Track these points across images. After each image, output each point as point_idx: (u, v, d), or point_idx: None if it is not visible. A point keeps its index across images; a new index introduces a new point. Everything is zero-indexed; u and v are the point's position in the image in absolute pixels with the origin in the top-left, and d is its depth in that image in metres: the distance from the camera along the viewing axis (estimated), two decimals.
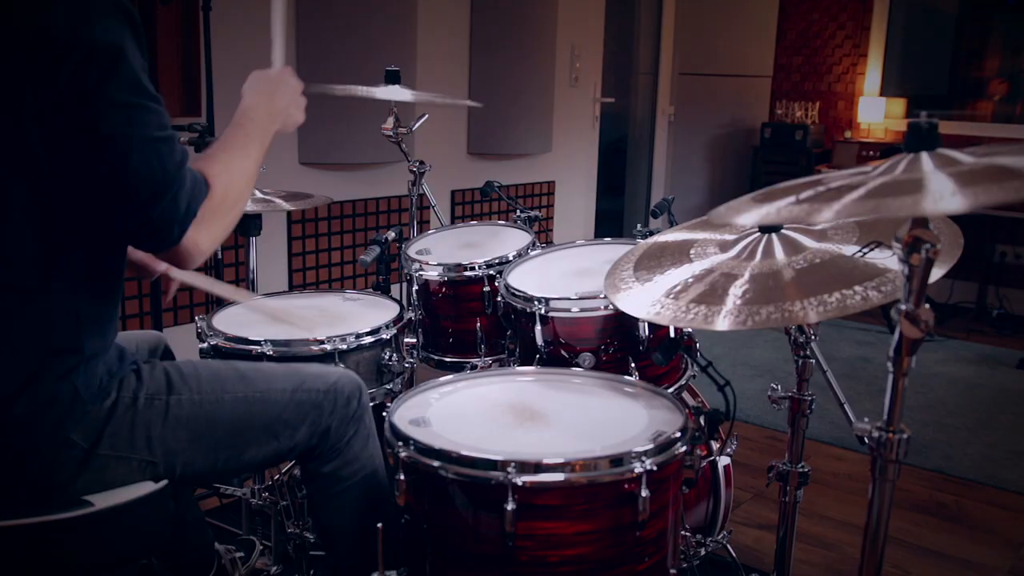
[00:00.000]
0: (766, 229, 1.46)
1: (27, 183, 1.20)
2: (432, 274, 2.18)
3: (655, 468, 1.30)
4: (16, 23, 1.15)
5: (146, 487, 1.36)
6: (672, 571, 1.44)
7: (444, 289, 2.19)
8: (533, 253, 2.15)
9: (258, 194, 2.22)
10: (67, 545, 1.29)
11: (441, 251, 2.32)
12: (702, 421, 1.61)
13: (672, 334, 1.80)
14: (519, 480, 1.26)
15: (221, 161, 1.36)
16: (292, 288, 3.66)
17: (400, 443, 1.38)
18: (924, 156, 1.03)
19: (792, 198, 1.07)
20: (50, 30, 1.14)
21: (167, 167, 1.21)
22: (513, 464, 1.26)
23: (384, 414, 1.48)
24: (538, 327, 1.81)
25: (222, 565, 1.94)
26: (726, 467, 2.08)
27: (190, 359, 1.57)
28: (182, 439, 1.39)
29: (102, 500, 1.32)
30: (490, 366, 2.19)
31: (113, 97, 1.17)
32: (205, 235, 1.28)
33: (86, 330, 1.29)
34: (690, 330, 1.81)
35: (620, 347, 1.79)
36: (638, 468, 1.29)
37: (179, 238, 1.24)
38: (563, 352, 1.81)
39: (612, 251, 2.04)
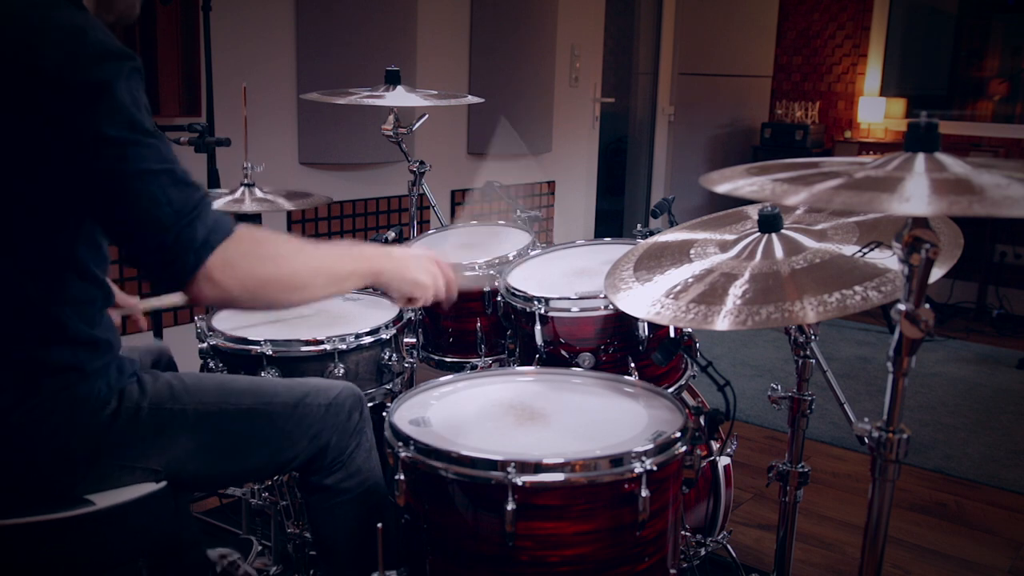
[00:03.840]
0: (766, 228, 1.46)
1: (24, 216, 1.21)
2: None
3: (655, 468, 1.30)
4: (5, 63, 1.15)
5: (147, 487, 1.36)
6: (672, 571, 1.44)
7: None
8: (533, 253, 2.15)
9: (258, 193, 2.22)
10: (68, 544, 1.29)
11: (441, 251, 2.31)
12: (702, 421, 1.61)
13: (672, 334, 1.80)
14: (519, 480, 1.26)
15: (264, 231, 1.31)
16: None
17: (400, 443, 1.38)
18: (920, 157, 1.03)
19: (775, 175, 1.07)
20: (41, 75, 1.14)
21: (171, 196, 1.17)
22: (513, 464, 1.26)
23: (384, 414, 1.48)
24: (538, 327, 1.81)
25: (218, 574, 1.94)
26: (726, 467, 2.08)
27: (192, 371, 1.57)
28: (186, 448, 1.39)
29: (103, 499, 1.32)
30: (490, 366, 2.19)
31: (105, 134, 1.14)
32: (223, 267, 1.20)
33: (82, 350, 1.30)
34: (690, 330, 1.81)
35: (620, 347, 1.79)
36: (638, 468, 1.29)
37: (195, 268, 1.18)
38: (563, 352, 1.81)
39: (612, 251, 2.04)
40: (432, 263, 1.44)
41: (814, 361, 1.57)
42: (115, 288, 1.56)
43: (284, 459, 1.52)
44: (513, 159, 4.64)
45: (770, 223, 1.46)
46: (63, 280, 1.26)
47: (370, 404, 1.86)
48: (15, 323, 1.25)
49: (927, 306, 1.01)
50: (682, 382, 1.90)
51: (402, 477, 1.38)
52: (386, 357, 1.91)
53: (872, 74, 5.86)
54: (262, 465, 1.51)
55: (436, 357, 2.26)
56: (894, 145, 5.55)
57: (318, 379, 1.65)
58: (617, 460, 1.30)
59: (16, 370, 1.25)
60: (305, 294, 1.30)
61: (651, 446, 1.32)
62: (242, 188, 2.22)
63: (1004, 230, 5.09)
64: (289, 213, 3.59)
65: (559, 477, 1.27)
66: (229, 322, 1.95)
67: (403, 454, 1.36)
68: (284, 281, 1.27)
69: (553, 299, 1.80)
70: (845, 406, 1.61)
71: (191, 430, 1.40)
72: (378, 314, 2.02)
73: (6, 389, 1.24)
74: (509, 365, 1.99)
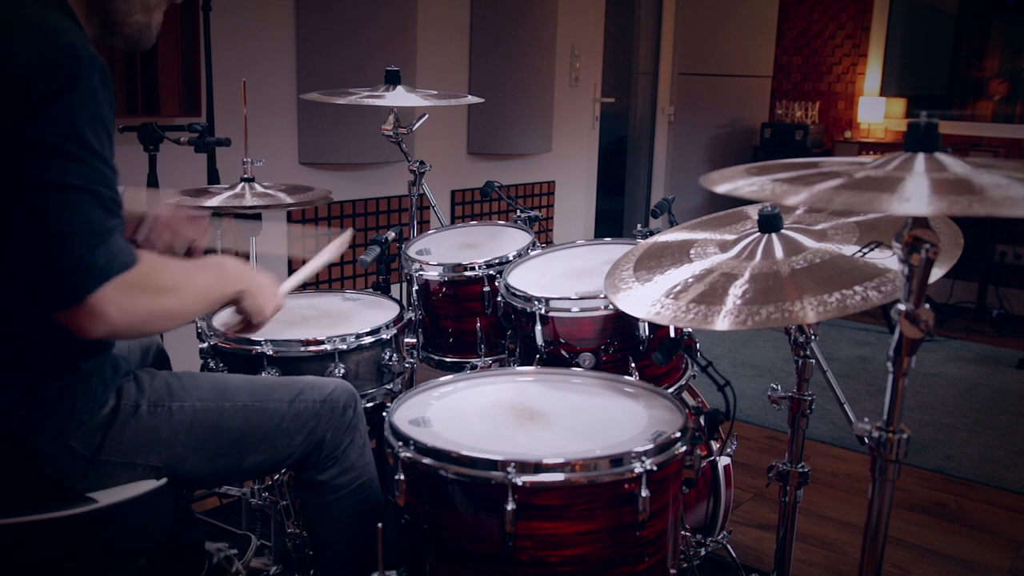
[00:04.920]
0: (766, 228, 1.46)
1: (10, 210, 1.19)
2: (432, 274, 2.18)
3: (655, 468, 1.30)
4: None
5: (147, 485, 1.37)
6: (672, 571, 1.44)
7: (444, 289, 2.18)
8: (533, 253, 2.15)
9: (258, 188, 2.21)
10: (70, 543, 1.29)
11: (441, 251, 2.32)
12: (702, 421, 1.61)
13: (672, 334, 1.80)
14: (519, 480, 1.26)
15: (161, 262, 1.29)
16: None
17: (400, 443, 1.38)
18: (920, 157, 1.04)
19: (775, 175, 1.07)
20: (7, 69, 1.12)
21: (86, 216, 1.15)
22: (513, 464, 1.26)
23: (384, 414, 1.48)
24: (538, 327, 1.81)
25: (213, 564, 1.94)
26: (726, 467, 2.08)
27: (188, 371, 1.57)
28: (187, 445, 1.41)
29: (103, 497, 1.32)
30: (490, 366, 2.19)
31: (44, 140, 1.12)
32: (116, 306, 1.17)
33: (81, 353, 1.30)
34: (690, 330, 1.81)
35: (620, 347, 1.79)
36: (638, 468, 1.29)
37: (90, 291, 1.14)
38: (563, 352, 1.81)
39: (612, 251, 2.04)
40: (276, 295, 1.49)
41: (814, 361, 1.57)
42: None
43: (280, 456, 1.53)
44: (513, 159, 4.64)
45: (770, 223, 1.46)
46: None
47: (370, 404, 1.86)
48: (12, 323, 1.25)
49: (927, 306, 1.01)
50: (682, 382, 1.90)
51: (402, 477, 1.38)
52: (386, 357, 1.91)
53: (872, 74, 5.86)
54: (260, 462, 1.52)
55: (436, 357, 2.26)
56: (894, 145, 5.55)
57: (312, 376, 1.65)
58: (617, 460, 1.30)
59: (15, 371, 1.26)
60: (180, 322, 1.30)
61: (651, 446, 1.32)
62: (242, 183, 2.22)
63: (1004, 230, 5.09)
64: (289, 213, 3.59)
65: (559, 477, 1.27)
66: (230, 322, 1.95)
67: (403, 454, 1.36)
68: (168, 315, 1.27)
69: (553, 299, 1.80)
70: (845, 406, 1.61)
71: (189, 427, 1.41)
72: (378, 314, 2.02)
73: (5, 390, 1.25)
74: (509, 365, 1.99)
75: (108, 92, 1.19)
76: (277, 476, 1.94)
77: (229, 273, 1.39)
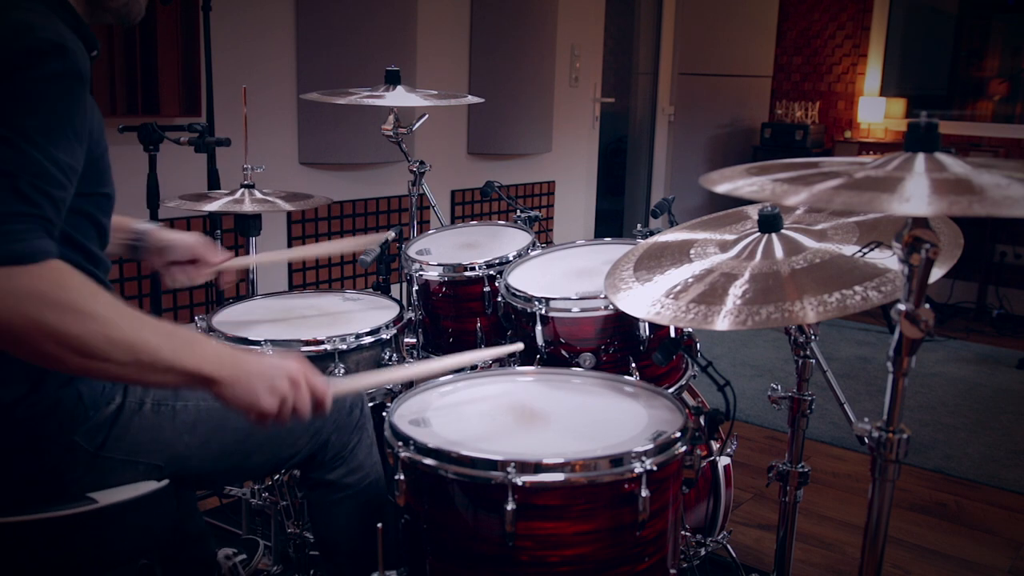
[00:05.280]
0: (766, 228, 1.46)
1: None
2: (432, 274, 2.18)
3: (655, 468, 1.30)
4: None
5: (149, 485, 1.37)
6: (672, 571, 1.44)
7: (444, 289, 2.18)
8: (533, 253, 2.15)
9: (258, 194, 2.22)
10: (69, 542, 1.29)
11: (441, 251, 2.32)
12: (702, 421, 1.61)
13: (672, 334, 1.80)
14: (519, 480, 1.26)
15: (98, 288, 1.10)
16: (292, 288, 3.66)
17: (400, 443, 1.38)
18: (920, 157, 1.04)
19: (775, 175, 1.07)
20: None
21: None
22: (513, 464, 1.26)
23: (384, 414, 1.48)
24: (538, 327, 1.81)
25: (223, 575, 1.95)
26: (726, 467, 2.08)
27: None
28: (190, 444, 1.40)
29: (104, 497, 1.32)
30: (490, 366, 2.19)
31: None
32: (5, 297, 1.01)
33: None
34: (690, 330, 1.81)
35: (620, 347, 1.79)
36: (638, 468, 1.29)
37: None
38: (563, 352, 1.81)
39: (612, 251, 2.04)
40: (286, 379, 1.21)
41: (814, 361, 1.57)
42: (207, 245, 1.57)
43: (284, 456, 1.53)
44: (513, 159, 4.64)
45: (770, 223, 1.46)
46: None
47: (370, 404, 1.86)
48: None
49: (927, 306, 1.01)
50: (682, 382, 1.90)
51: (402, 477, 1.38)
52: (386, 357, 1.91)
53: (872, 74, 5.86)
54: (263, 461, 1.52)
55: (436, 357, 2.26)
56: (894, 145, 5.55)
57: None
58: (617, 460, 1.30)
59: (20, 365, 1.25)
60: (94, 365, 1.07)
61: (651, 446, 1.32)
62: (242, 189, 2.22)
63: (1004, 230, 5.09)
64: (289, 214, 3.59)
65: (559, 477, 1.27)
66: (230, 322, 1.95)
67: (403, 454, 1.36)
68: (70, 341, 1.04)
69: (553, 299, 1.80)
70: (845, 406, 1.62)
71: (193, 426, 1.41)
72: (378, 314, 2.02)
73: (10, 384, 1.24)
74: (509, 365, 1.99)
75: (79, 90, 1.14)
76: (277, 476, 1.95)
77: (194, 347, 1.15)
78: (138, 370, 1.10)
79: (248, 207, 2.17)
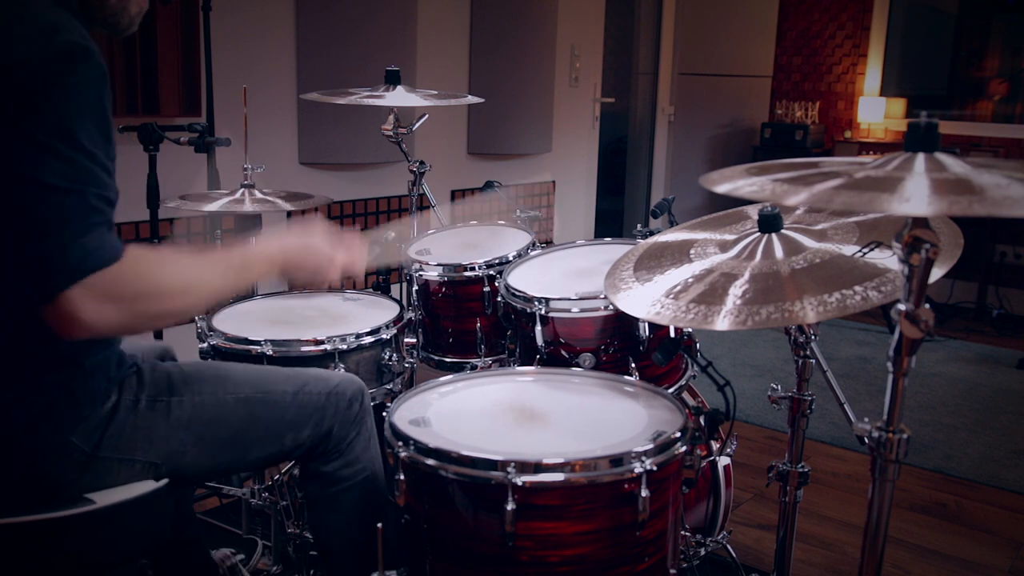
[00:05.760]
0: (766, 228, 1.46)
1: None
2: (432, 274, 2.18)
3: (655, 468, 1.30)
4: None
5: (147, 485, 1.37)
6: (672, 571, 1.44)
7: (444, 289, 2.19)
8: (533, 253, 2.15)
9: (258, 194, 2.22)
10: (68, 543, 1.29)
11: (441, 251, 2.32)
12: (702, 421, 1.61)
13: (672, 334, 1.80)
14: (519, 480, 1.26)
15: (172, 259, 1.27)
16: (292, 288, 3.66)
17: (400, 443, 1.38)
18: (920, 157, 1.04)
19: (775, 175, 1.08)
20: (6, 65, 1.12)
21: (69, 215, 1.14)
22: (513, 464, 1.26)
23: (384, 414, 1.48)
24: (538, 327, 1.81)
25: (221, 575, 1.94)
26: (726, 467, 2.08)
27: (192, 361, 1.57)
28: (185, 440, 1.40)
29: (102, 498, 1.32)
30: (490, 366, 2.19)
31: (35, 138, 1.12)
32: (93, 307, 1.15)
33: (81, 346, 1.29)
34: (690, 330, 1.81)
35: (620, 347, 1.79)
36: (638, 468, 1.29)
37: (61, 289, 1.13)
38: (563, 352, 1.81)
39: (612, 251, 2.04)
40: (327, 243, 1.48)
41: (814, 361, 1.57)
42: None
43: (288, 447, 1.52)
44: (513, 159, 4.64)
45: (770, 223, 1.46)
46: None
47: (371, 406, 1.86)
48: (16, 318, 1.24)
49: (927, 306, 1.01)
50: (682, 382, 1.90)
51: (402, 477, 1.38)
52: (386, 357, 1.91)
53: (872, 74, 5.86)
54: (266, 455, 1.51)
55: (436, 357, 2.26)
56: (894, 145, 5.55)
57: (318, 369, 1.65)
58: (617, 460, 1.30)
59: (17, 366, 1.25)
60: (174, 320, 1.29)
61: (651, 446, 1.32)
62: (242, 189, 2.22)
63: (1004, 230, 5.09)
64: (289, 213, 3.59)
65: (559, 477, 1.27)
66: (230, 322, 1.95)
67: (403, 454, 1.36)
68: (156, 315, 1.25)
69: (553, 299, 1.80)
70: (845, 406, 1.61)
71: (188, 422, 1.40)
72: (378, 314, 2.02)
73: (7, 385, 1.24)
74: (509, 365, 1.99)
75: (106, 91, 1.18)
76: (277, 476, 1.95)
77: (254, 264, 1.39)
78: (212, 302, 1.37)
79: (248, 207, 2.17)
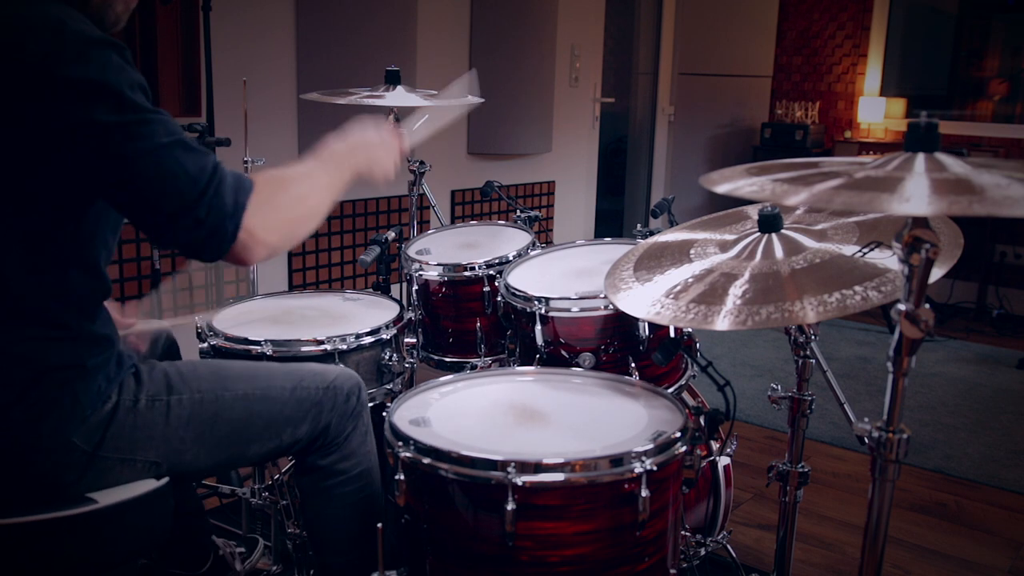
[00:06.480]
0: (766, 228, 1.47)
1: (21, 217, 1.21)
2: (432, 274, 2.18)
3: (655, 468, 1.30)
4: None
5: (148, 484, 1.37)
6: (672, 571, 1.44)
7: (444, 289, 2.19)
8: (533, 253, 2.15)
9: None
10: (69, 542, 1.29)
11: (441, 251, 2.32)
12: (702, 421, 1.61)
13: (672, 334, 1.80)
14: (519, 480, 1.26)
15: (274, 172, 1.35)
16: (292, 288, 3.66)
17: (400, 443, 1.38)
18: (920, 157, 1.04)
19: (775, 175, 1.08)
20: (24, 70, 1.13)
21: (188, 168, 1.19)
22: (513, 464, 1.26)
23: (384, 414, 1.48)
24: (538, 327, 1.81)
25: (220, 556, 1.94)
26: (726, 467, 2.08)
27: (189, 359, 1.57)
28: (185, 439, 1.40)
29: (103, 498, 1.32)
30: (490, 366, 2.19)
31: (98, 120, 1.14)
32: (260, 223, 1.24)
33: (83, 346, 1.30)
34: (690, 330, 1.81)
35: (620, 347, 1.79)
36: (638, 468, 1.29)
37: (235, 233, 1.22)
38: (563, 352, 1.81)
39: (612, 251, 2.04)
40: (379, 134, 1.54)
41: (814, 361, 1.57)
42: (114, 308, 1.56)
43: (287, 442, 1.53)
44: (513, 159, 4.64)
45: (770, 223, 1.46)
46: (66, 275, 1.26)
47: (370, 404, 1.86)
48: (17, 319, 1.25)
49: (927, 306, 1.01)
50: (682, 382, 1.90)
51: (402, 477, 1.38)
52: (386, 357, 1.91)
53: (872, 74, 5.86)
54: (266, 450, 1.52)
55: (436, 357, 2.26)
56: (894, 145, 5.55)
57: (315, 364, 1.66)
58: (617, 460, 1.30)
59: (18, 367, 1.26)
60: (320, 219, 1.38)
61: (651, 446, 1.32)
62: None
63: (1004, 230, 5.09)
64: None
65: (559, 477, 1.27)
66: (230, 322, 1.95)
67: (403, 454, 1.36)
68: (308, 216, 1.35)
69: (553, 299, 1.80)
70: (845, 406, 1.62)
71: (187, 420, 1.40)
72: (378, 314, 2.02)
73: (8, 386, 1.25)
74: (509, 365, 1.99)
75: (130, 63, 1.20)
76: (277, 476, 1.95)
77: (339, 158, 1.46)
78: (336, 196, 1.42)
79: None
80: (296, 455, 1.62)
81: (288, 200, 1.32)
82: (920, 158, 1.03)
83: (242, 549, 2.04)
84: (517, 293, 1.87)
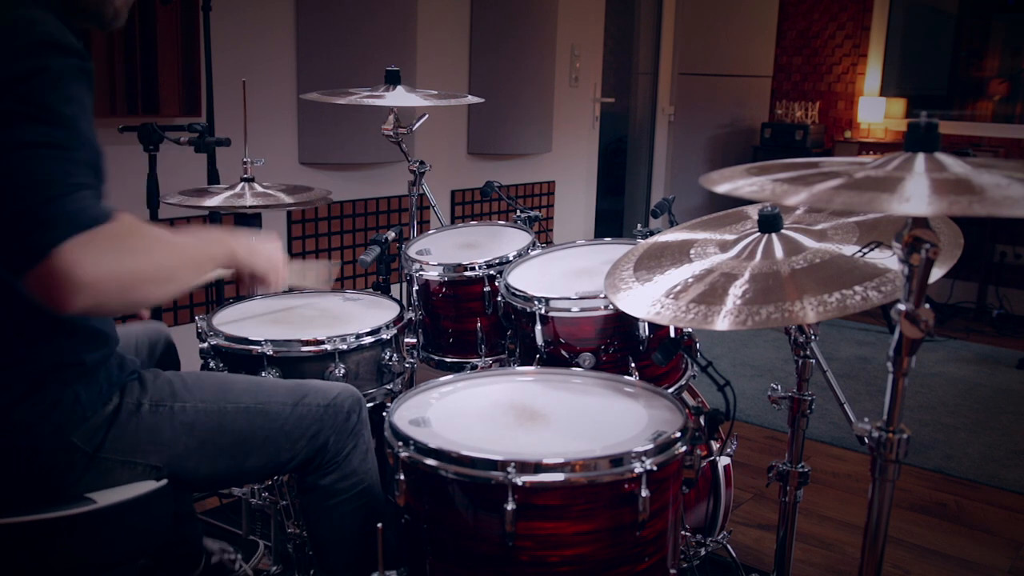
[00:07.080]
0: (766, 228, 1.46)
1: None
2: (432, 274, 2.18)
3: (655, 468, 1.30)
4: None
5: (148, 485, 1.37)
6: (672, 571, 1.44)
7: (444, 289, 2.19)
8: (533, 253, 2.15)
9: (258, 188, 2.21)
10: (69, 542, 1.29)
11: (441, 251, 2.32)
12: (702, 421, 1.61)
13: (672, 334, 1.80)
14: (519, 480, 1.26)
15: (140, 223, 1.22)
16: (292, 288, 3.65)
17: (400, 443, 1.38)
18: (920, 157, 1.04)
19: (775, 175, 1.08)
20: None
21: (50, 173, 1.09)
22: (513, 464, 1.26)
23: (384, 414, 1.48)
24: (538, 327, 1.81)
25: (211, 564, 1.94)
26: (726, 467, 2.08)
27: (193, 371, 1.57)
28: (188, 445, 1.41)
29: (103, 498, 1.32)
30: (490, 366, 2.19)
31: (10, 109, 1.10)
32: (89, 259, 1.07)
33: (84, 346, 1.30)
34: (690, 330, 1.81)
35: (620, 347, 1.79)
36: (638, 468, 1.29)
37: (54, 243, 1.06)
38: (563, 352, 1.81)
39: (612, 251, 2.04)
40: (272, 254, 1.52)
41: (814, 361, 1.57)
42: None
43: (283, 459, 1.53)
44: (513, 159, 4.64)
45: (770, 223, 1.46)
46: None
47: (370, 404, 1.86)
48: (17, 319, 1.24)
49: (927, 306, 1.01)
50: (682, 382, 1.90)
51: (402, 477, 1.38)
52: (386, 357, 1.91)
53: (872, 74, 5.86)
54: (261, 464, 1.52)
55: (436, 357, 2.26)
56: (894, 145, 5.55)
57: (318, 380, 1.65)
58: (617, 460, 1.30)
59: (19, 367, 1.26)
60: (171, 289, 1.25)
61: (651, 446, 1.32)
62: (242, 183, 2.21)
63: (1004, 230, 5.09)
64: (289, 213, 3.59)
65: (559, 477, 1.27)
66: (230, 322, 1.95)
67: (403, 454, 1.36)
68: (153, 278, 1.20)
69: (553, 299, 1.80)
70: (845, 406, 1.62)
71: (191, 428, 1.41)
72: (378, 314, 2.02)
73: (9, 386, 1.25)
74: (509, 365, 1.99)
75: (87, 81, 1.17)
76: (277, 476, 1.95)
77: (213, 237, 1.41)
78: (196, 273, 1.33)
79: (248, 200, 2.15)
80: (295, 474, 1.61)
81: (136, 250, 1.17)
82: (920, 158, 1.03)
83: (233, 557, 2.03)
84: (517, 293, 1.87)
